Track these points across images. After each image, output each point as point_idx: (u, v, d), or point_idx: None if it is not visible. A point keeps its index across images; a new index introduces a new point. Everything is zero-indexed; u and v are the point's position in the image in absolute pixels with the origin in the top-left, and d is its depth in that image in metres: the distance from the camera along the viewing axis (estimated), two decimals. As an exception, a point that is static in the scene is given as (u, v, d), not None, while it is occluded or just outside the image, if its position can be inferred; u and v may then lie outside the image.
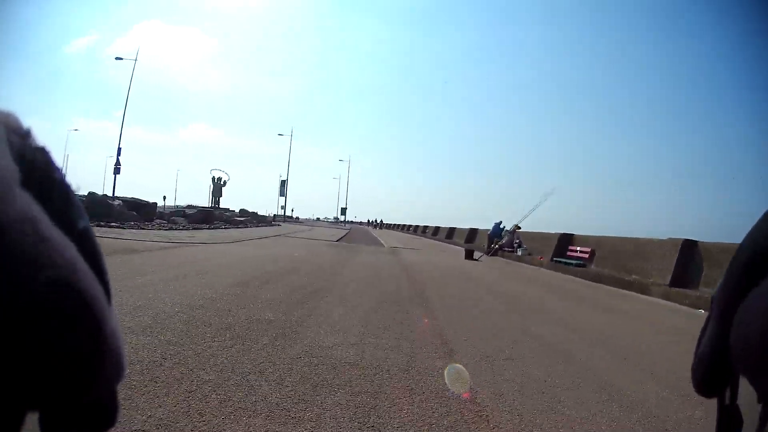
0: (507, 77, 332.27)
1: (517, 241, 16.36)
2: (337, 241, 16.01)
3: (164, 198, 69.24)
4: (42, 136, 0.25)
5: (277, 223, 31.76)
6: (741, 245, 0.31)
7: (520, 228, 16.63)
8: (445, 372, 2.46)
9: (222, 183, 43.94)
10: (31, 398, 0.22)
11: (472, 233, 21.76)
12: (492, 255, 15.44)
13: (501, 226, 17.22)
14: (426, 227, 37.86)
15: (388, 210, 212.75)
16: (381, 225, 66.02)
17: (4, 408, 0.21)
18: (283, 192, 40.32)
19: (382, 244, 16.91)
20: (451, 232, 26.85)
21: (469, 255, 12.94)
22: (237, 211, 31.24)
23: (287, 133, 44.17)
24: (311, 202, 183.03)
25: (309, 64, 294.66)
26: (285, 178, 40.95)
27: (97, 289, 0.24)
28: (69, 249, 0.23)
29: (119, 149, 25.02)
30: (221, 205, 38.10)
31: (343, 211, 54.11)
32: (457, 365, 2.61)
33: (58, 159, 0.26)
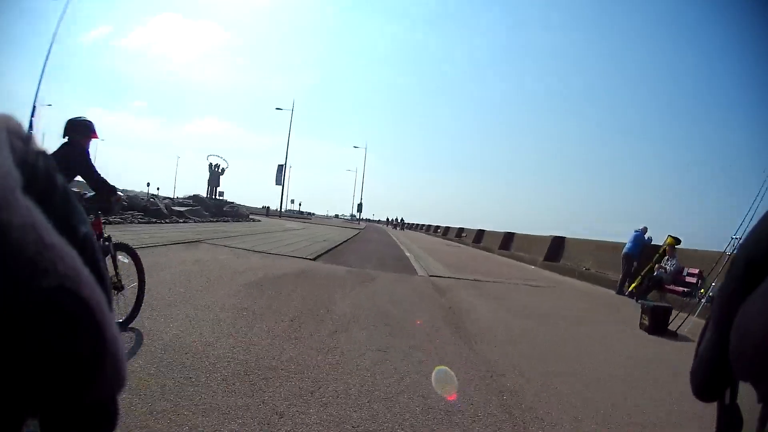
0: (512, 77, 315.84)
1: (696, 273, 7.64)
2: (314, 259, 7.77)
3: (148, 184, 62.71)
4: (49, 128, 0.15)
5: (256, 218, 23.73)
6: (740, 248, 0.30)
7: (680, 242, 8.19)
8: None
9: (220, 170, 36.94)
10: (32, 403, 0.22)
11: (557, 245, 13.12)
12: (641, 294, 7.22)
13: (646, 236, 8.87)
14: (462, 230, 28.84)
15: (407, 209, 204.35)
16: (402, 225, 55.99)
17: (5, 413, 0.21)
18: (280, 180, 32.30)
19: (411, 267, 8.59)
20: (508, 240, 17.92)
21: (657, 322, 4.59)
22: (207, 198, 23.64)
23: (293, 123, 36.30)
24: (329, 199, 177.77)
25: (322, 60, 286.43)
26: (282, 164, 32.84)
27: (98, 295, 0.24)
28: (71, 256, 0.22)
29: (34, 107, 17.99)
30: (222, 196, 31.58)
31: (359, 207, 47.08)
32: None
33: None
